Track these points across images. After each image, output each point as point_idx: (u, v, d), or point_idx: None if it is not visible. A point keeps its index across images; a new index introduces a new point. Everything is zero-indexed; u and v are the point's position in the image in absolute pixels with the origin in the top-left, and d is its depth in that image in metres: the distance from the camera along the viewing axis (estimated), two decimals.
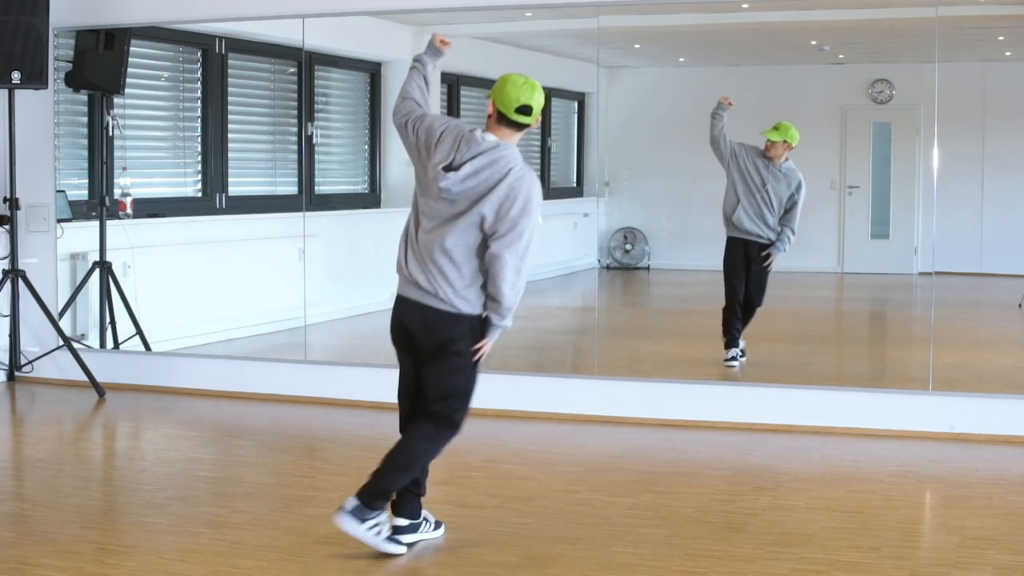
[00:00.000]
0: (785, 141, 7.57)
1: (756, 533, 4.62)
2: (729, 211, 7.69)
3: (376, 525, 4.29)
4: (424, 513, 4.49)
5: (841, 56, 9.43)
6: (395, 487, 4.35)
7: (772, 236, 7.64)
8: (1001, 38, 8.86)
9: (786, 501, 5.09)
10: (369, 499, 4.27)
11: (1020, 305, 9.01)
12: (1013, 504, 5.09)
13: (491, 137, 4.27)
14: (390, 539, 4.34)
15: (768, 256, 7.61)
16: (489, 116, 4.31)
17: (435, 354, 4.30)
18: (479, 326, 4.28)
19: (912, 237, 9.03)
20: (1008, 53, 9.23)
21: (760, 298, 7.66)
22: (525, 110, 4.23)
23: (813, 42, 9.08)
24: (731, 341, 7.62)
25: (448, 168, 4.21)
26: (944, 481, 5.55)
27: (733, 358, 7.59)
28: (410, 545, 4.39)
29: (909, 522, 4.89)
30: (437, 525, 4.55)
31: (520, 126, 4.27)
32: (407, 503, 4.43)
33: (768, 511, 4.93)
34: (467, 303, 4.24)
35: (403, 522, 4.41)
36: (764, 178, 7.60)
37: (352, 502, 4.27)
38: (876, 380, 7.61)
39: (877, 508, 4.98)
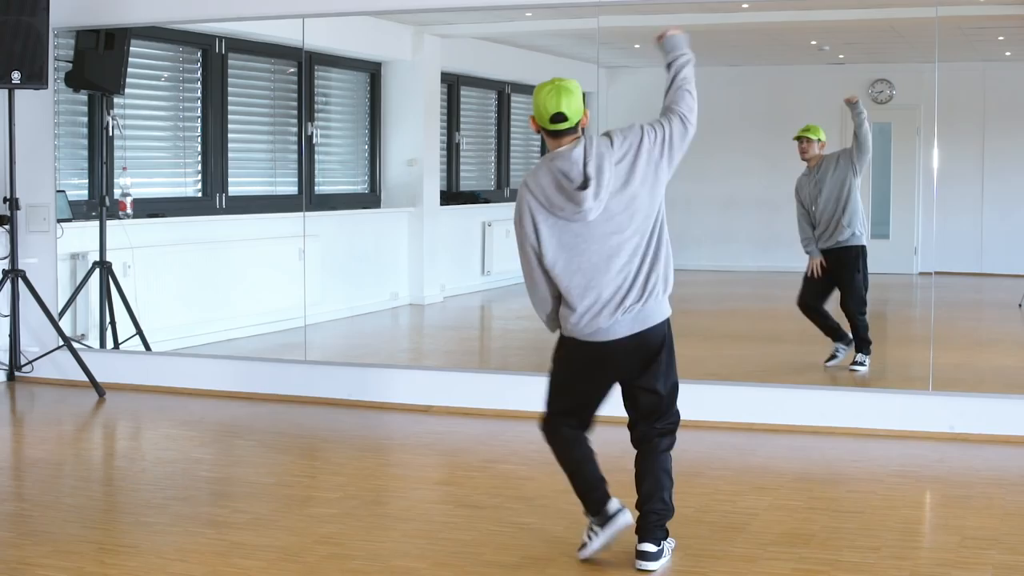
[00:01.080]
0: (819, 140, 7.58)
1: (756, 533, 4.62)
2: (807, 241, 7.63)
3: (668, 549, 4.27)
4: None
5: (841, 56, 9.43)
6: (673, 504, 4.26)
7: (848, 236, 7.56)
8: (1001, 38, 8.86)
9: (786, 501, 5.09)
10: (657, 528, 4.20)
11: (1020, 305, 9.01)
12: (1013, 504, 5.09)
13: (566, 148, 4.10)
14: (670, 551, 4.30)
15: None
16: (537, 131, 4.20)
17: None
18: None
19: (912, 237, 9.03)
20: (1008, 53, 9.23)
21: (853, 300, 7.56)
22: (558, 118, 4.09)
23: (813, 42, 9.08)
24: (837, 337, 7.55)
25: (580, 188, 4.04)
26: (944, 481, 5.55)
27: (832, 356, 7.54)
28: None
29: (909, 522, 4.88)
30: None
31: (566, 132, 4.12)
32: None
33: (768, 511, 4.93)
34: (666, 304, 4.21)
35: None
36: (816, 193, 7.57)
37: (650, 547, 4.17)
38: (876, 380, 7.61)
39: (877, 508, 4.98)
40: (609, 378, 4.28)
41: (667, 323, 4.21)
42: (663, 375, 4.23)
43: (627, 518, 4.22)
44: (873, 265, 7.66)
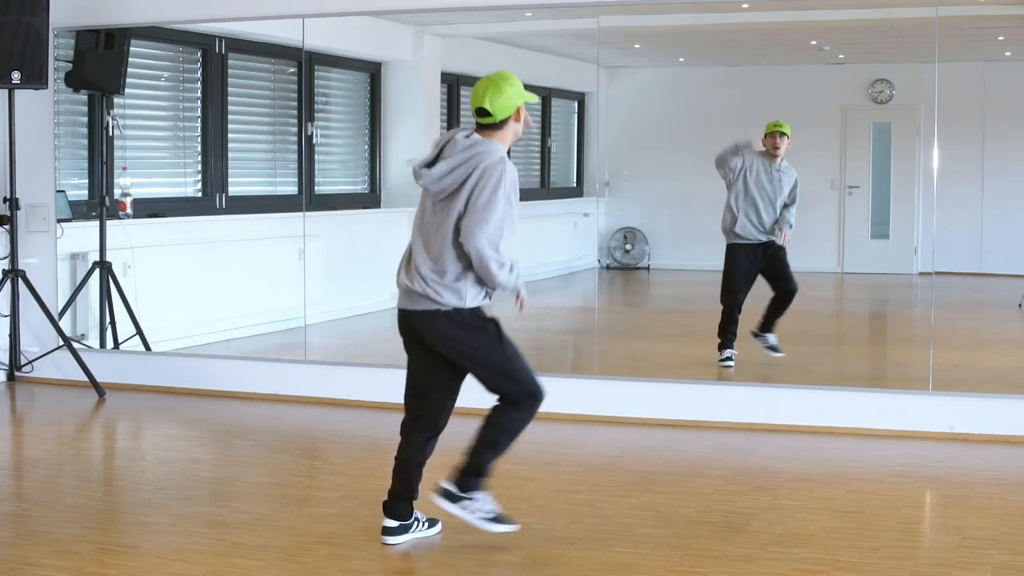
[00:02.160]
0: (789, 137, 7.62)
1: (756, 533, 4.62)
2: (729, 222, 7.69)
3: (472, 503, 4.40)
4: (416, 514, 4.49)
5: (841, 56, 9.43)
6: (486, 465, 4.43)
7: (769, 233, 7.67)
8: (1001, 38, 8.86)
9: (786, 501, 5.09)
10: (461, 480, 4.39)
11: (1020, 305, 9.01)
12: (1013, 504, 5.09)
13: (476, 136, 4.31)
14: (489, 520, 4.43)
15: (777, 245, 7.63)
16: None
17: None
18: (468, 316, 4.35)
19: (912, 237, 9.03)
20: (1008, 53, 9.23)
21: (794, 283, 7.69)
22: (481, 112, 4.30)
23: (813, 42, 9.08)
24: (726, 342, 7.70)
25: (426, 166, 4.31)
26: (944, 481, 5.55)
27: (728, 358, 7.66)
28: (395, 545, 4.42)
29: (909, 522, 4.89)
30: (431, 523, 4.55)
31: (492, 127, 4.31)
32: (397, 504, 4.45)
33: (768, 511, 4.93)
34: (455, 295, 4.31)
35: (392, 523, 4.44)
36: (772, 182, 7.60)
37: (446, 484, 4.38)
38: (876, 380, 7.61)
39: (877, 508, 4.98)
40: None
41: (437, 315, 4.32)
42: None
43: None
44: (873, 265, 7.66)
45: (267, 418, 6.91)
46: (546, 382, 4.47)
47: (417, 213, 4.43)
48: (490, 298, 4.38)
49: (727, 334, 7.68)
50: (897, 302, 9.62)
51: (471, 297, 4.31)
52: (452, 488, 4.40)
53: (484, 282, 4.29)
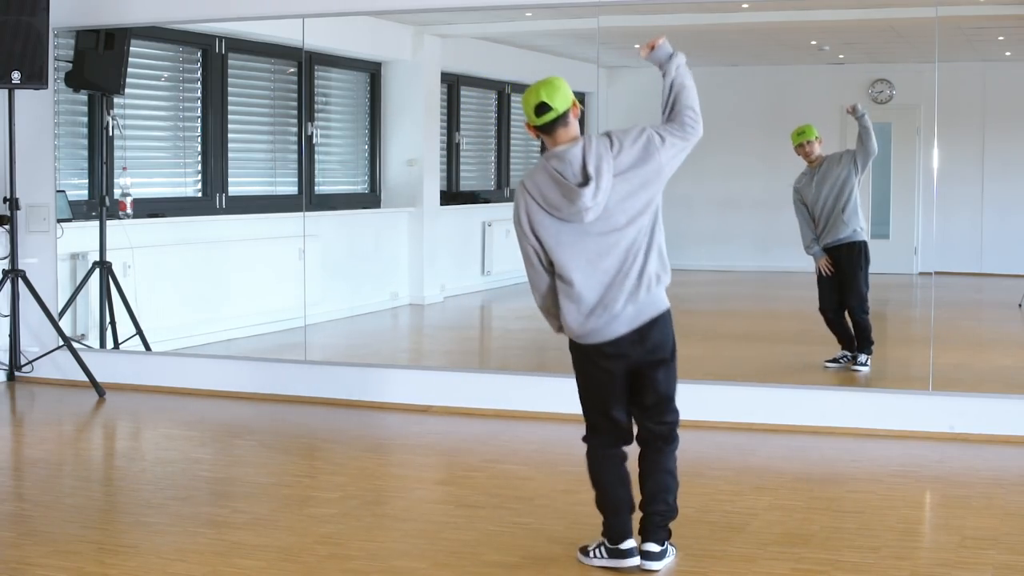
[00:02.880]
0: (819, 138, 7.57)
1: (756, 533, 4.62)
2: (811, 243, 7.61)
3: (672, 551, 4.27)
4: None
5: (841, 56, 9.43)
6: (676, 507, 4.26)
7: (848, 232, 7.55)
8: (1001, 38, 8.86)
9: (786, 501, 5.09)
10: (662, 530, 4.22)
11: (1020, 305, 9.01)
12: (1013, 504, 5.09)
13: (564, 147, 4.09)
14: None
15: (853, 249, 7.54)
16: (536, 136, 4.18)
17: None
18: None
19: (912, 237, 9.03)
20: (1008, 53, 9.23)
21: (855, 298, 7.55)
22: (542, 108, 4.07)
23: (813, 42, 9.08)
24: (843, 345, 7.56)
25: (581, 186, 4.02)
26: (944, 481, 5.55)
27: (834, 359, 7.54)
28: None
29: (909, 522, 4.88)
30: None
31: (555, 123, 4.08)
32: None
33: (768, 511, 4.93)
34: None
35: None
36: (817, 189, 7.56)
37: (654, 547, 4.17)
38: (876, 380, 7.61)
39: (877, 508, 4.98)
40: (618, 376, 4.21)
41: (666, 317, 4.18)
42: (664, 371, 4.20)
43: (635, 561, 4.18)
44: (873, 265, 7.66)
45: (267, 418, 6.91)
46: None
47: (551, 243, 4.10)
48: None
49: (838, 338, 7.55)
50: (897, 302, 9.61)
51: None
52: (661, 544, 4.20)
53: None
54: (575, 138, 4.12)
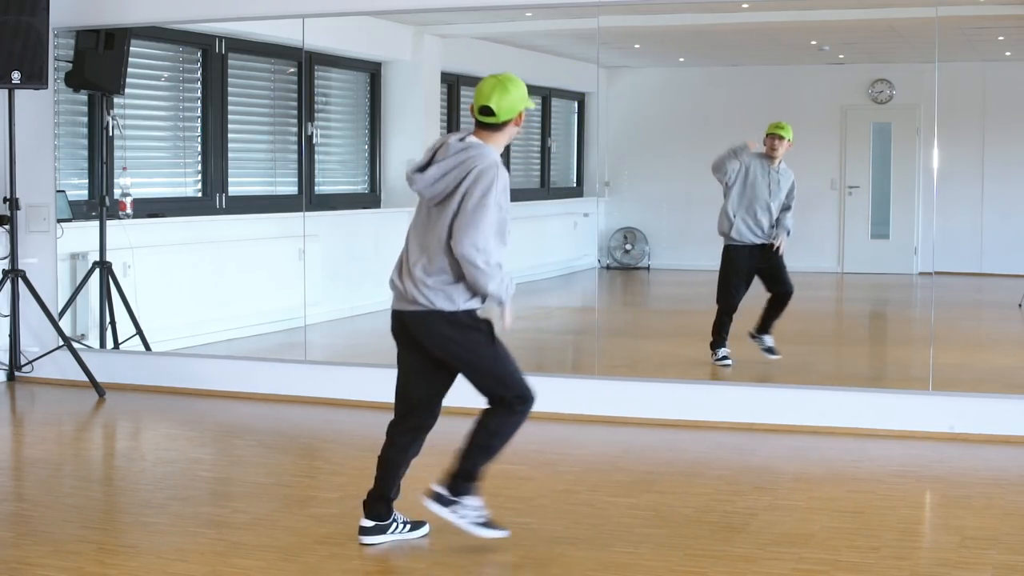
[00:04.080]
0: (790, 140, 7.61)
1: (756, 533, 4.62)
2: (727, 225, 7.70)
3: (463, 507, 4.37)
4: (395, 515, 4.49)
5: (841, 56, 9.43)
6: (476, 470, 4.41)
7: (768, 234, 7.68)
8: (1001, 38, 8.86)
9: (786, 501, 5.09)
10: (452, 485, 4.37)
11: (1020, 305, 9.02)
12: (1013, 504, 5.09)
13: (470, 139, 4.29)
14: (480, 525, 4.40)
15: (775, 247, 7.65)
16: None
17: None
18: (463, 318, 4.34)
19: (912, 237, 9.03)
20: (1008, 53, 9.24)
21: (790, 285, 7.72)
22: (485, 111, 4.28)
23: (813, 42, 9.08)
24: (720, 342, 7.73)
25: (419, 170, 4.29)
26: (944, 481, 5.55)
27: (724, 357, 7.67)
28: (372, 545, 4.42)
29: (909, 522, 4.89)
30: (416, 526, 4.53)
31: (492, 126, 4.30)
32: (376, 504, 4.45)
33: (768, 511, 4.93)
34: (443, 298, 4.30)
35: (368, 523, 4.43)
36: (769, 184, 7.61)
37: (437, 488, 4.37)
38: (876, 380, 7.61)
39: (877, 508, 4.98)
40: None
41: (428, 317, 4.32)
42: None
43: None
44: (873, 265, 7.67)
45: (267, 418, 6.91)
46: (546, 382, 4.48)
47: (414, 216, 4.42)
48: (483, 302, 4.36)
49: (720, 334, 7.71)
50: (897, 302, 9.62)
51: (462, 302, 4.30)
52: (443, 492, 4.39)
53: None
54: (484, 139, 4.30)
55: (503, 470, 5.65)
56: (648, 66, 9.48)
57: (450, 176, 4.23)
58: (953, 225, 8.76)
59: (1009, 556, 4.37)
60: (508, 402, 4.39)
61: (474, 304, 4.34)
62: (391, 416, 4.56)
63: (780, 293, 7.71)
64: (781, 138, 7.60)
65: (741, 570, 4.20)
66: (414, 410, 4.47)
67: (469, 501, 4.40)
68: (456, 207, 4.20)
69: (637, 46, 9.15)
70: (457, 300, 4.29)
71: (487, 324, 4.38)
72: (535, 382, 4.48)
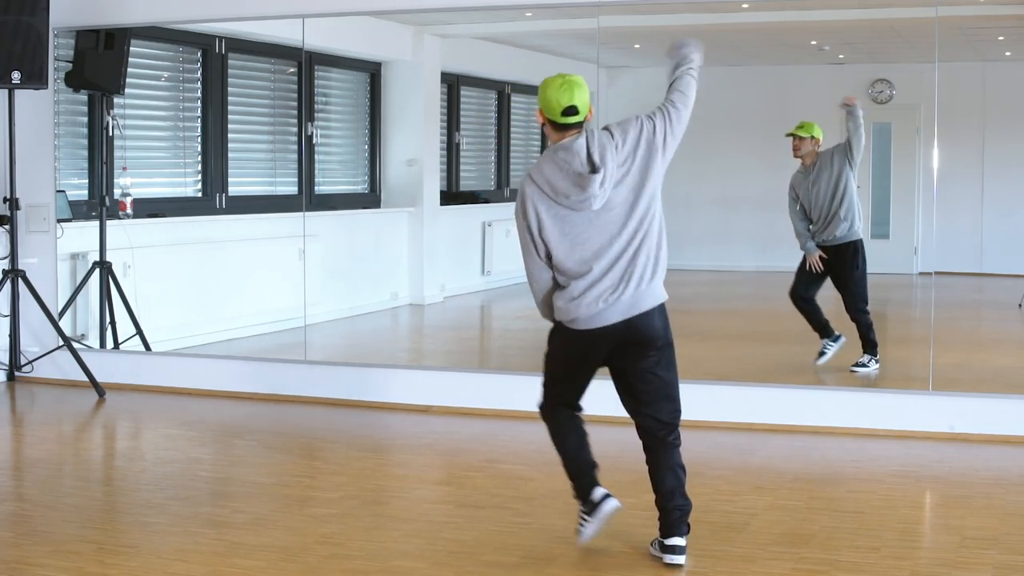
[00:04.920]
0: (813, 137, 7.53)
1: (756, 533, 4.62)
2: (803, 238, 7.60)
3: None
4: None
5: (841, 56, 9.43)
6: (689, 503, 4.33)
7: (845, 231, 7.51)
8: (1001, 38, 8.86)
9: (786, 501, 5.09)
10: (684, 522, 4.29)
11: (1020, 305, 9.01)
12: (1013, 504, 5.09)
13: (569, 139, 4.19)
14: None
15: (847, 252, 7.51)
16: (543, 126, 4.28)
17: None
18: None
19: (912, 237, 9.03)
20: (1008, 53, 9.23)
21: (854, 298, 7.54)
22: (571, 111, 4.18)
23: (813, 42, 9.08)
24: (822, 335, 7.58)
25: (592, 172, 4.12)
26: (944, 481, 5.55)
27: (823, 351, 7.55)
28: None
29: (909, 522, 4.89)
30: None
31: (574, 126, 4.21)
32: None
33: (768, 511, 4.93)
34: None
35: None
36: (807, 188, 7.55)
37: (679, 541, 4.24)
38: (876, 380, 7.61)
39: (877, 508, 4.98)
40: (600, 362, 4.35)
41: (661, 310, 4.24)
42: (663, 361, 4.28)
43: (612, 504, 4.30)
44: (873, 265, 7.65)
45: (267, 418, 6.91)
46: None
47: (554, 233, 4.17)
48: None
49: (815, 329, 7.55)
50: (897, 302, 9.60)
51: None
52: (685, 539, 4.27)
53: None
54: (578, 132, 4.22)
55: (503, 470, 5.66)
56: (648, 66, 9.48)
57: (622, 153, 4.15)
58: (953, 225, 8.75)
59: (1009, 556, 4.37)
60: (673, 411, 4.40)
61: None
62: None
63: (846, 305, 7.57)
64: (800, 138, 7.54)
65: (741, 570, 4.20)
66: (577, 402, 4.49)
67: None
68: (648, 172, 4.15)
69: (637, 46, 9.15)
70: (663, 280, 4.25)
71: None
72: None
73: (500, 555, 4.36)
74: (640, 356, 4.24)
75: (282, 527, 4.70)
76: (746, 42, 9.03)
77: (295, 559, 4.30)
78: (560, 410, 4.47)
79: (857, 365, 7.42)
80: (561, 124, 4.19)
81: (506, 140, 10.65)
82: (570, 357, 4.35)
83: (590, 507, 4.33)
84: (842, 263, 7.52)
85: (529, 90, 9.29)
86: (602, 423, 6.64)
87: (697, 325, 8.56)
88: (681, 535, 4.25)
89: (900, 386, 6.99)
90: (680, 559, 4.23)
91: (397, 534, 4.63)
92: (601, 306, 4.15)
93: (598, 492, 4.32)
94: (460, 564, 4.27)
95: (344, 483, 5.39)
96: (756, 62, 9.48)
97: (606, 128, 4.25)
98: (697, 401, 6.63)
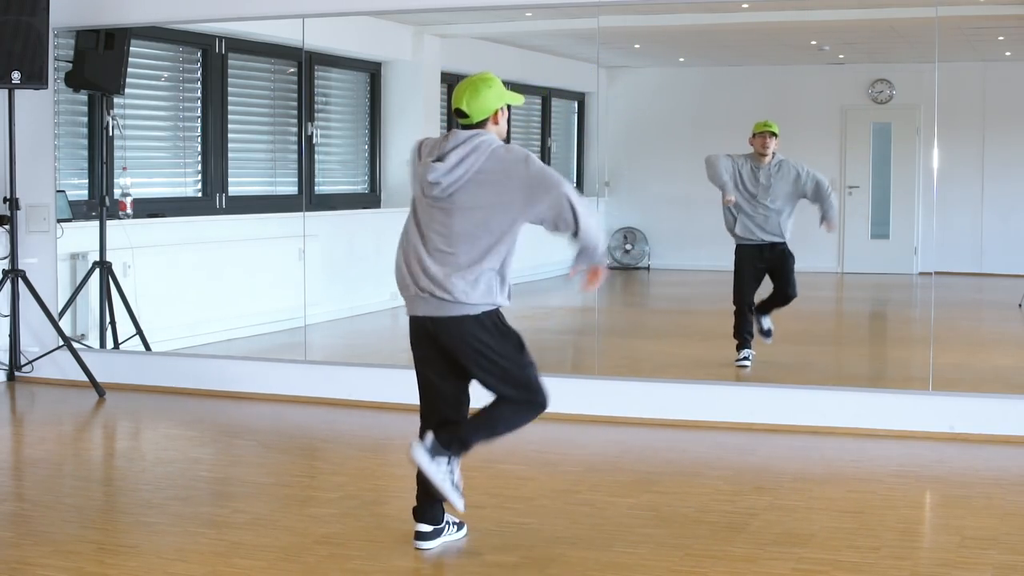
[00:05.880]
0: (776, 136, 7.65)
1: (756, 533, 4.62)
2: (730, 223, 7.73)
3: (446, 466, 4.33)
4: (447, 517, 4.46)
5: (841, 56, 9.43)
6: (473, 442, 4.39)
7: (784, 235, 7.68)
8: (1001, 38, 8.86)
9: (786, 501, 5.09)
10: (446, 441, 4.32)
11: (1020, 305, 9.02)
12: (1013, 504, 5.09)
13: (472, 131, 4.33)
14: (453, 487, 4.35)
15: (782, 247, 7.69)
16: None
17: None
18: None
19: (912, 237, 9.03)
20: (1008, 53, 9.24)
21: (794, 288, 7.77)
22: (459, 113, 4.32)
23: (813, 42, 9.08)
24: (743, 343, 7.69)
25: (436, 160, 4.26)
26: (944, 481, 5.55)
27: (745, 358, 7.65)
28: (428, 550, 4.39)
29: (909, 522, 4.89)
30: (459, 527, 4.53)
31: (471, 128, 4.34)
32: (430, 508, 4.40)
33: (768, 511, 4.93)
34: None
35: (427, 528, 4.40)
36: (758, 183, 7.63)
37: (429, 438, 4.33)
38: (876, 380, 7.61)
39: (877, 508, 4.98)
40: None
41: (464, 321, 4.28)
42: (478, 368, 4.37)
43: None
44: (873, 265, 7.67)
45: (267, 418, 6.91)
46: (546, 382, 4.47)
47: (414, 215, 4.37)
48: (510, 298, 4.33)
49: (742, 334, 7.66)
50: (897, 302, 9.61)
51: (498, 296, 4.28)
52: (435, 442, 4.33)
53: (501, 285, 4.28)
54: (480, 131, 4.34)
55: (503, 470, 5.65)
56: (648, 66, 9.48)
57: (468, 160, 4.23)
58: (953, 225, 8.76)
59: (1009, 556, 4.37)
60: (529, 404, 4.41)
61: (506, 301, 4.32)
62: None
63: (783, 294, 7.72)
64: (772, 135, 7.62)
65: (741, 570, 4.20)
66: (446, 416, 4.45)
67: (454, 461, 4.37)
68: (501, 198, 4.22)
69: (637, 46, 9.15)
70: (496, 296, 4.29)
71: (517, 331, 4.40)
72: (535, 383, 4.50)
73: (500, 555, 4.36)
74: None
75: (282, 527, 4.70)
76: (746, 42, 9.03)
77: (295, 559, 4.30)
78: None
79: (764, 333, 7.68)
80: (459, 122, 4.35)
81: (506, 140, 10.64)
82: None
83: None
84: (782, 258, 7.72)
85: (529, 90, 9.29)
86: (602, 423, 6.65)
87: (697, 325, 8.57)
88: (436, 449, 4.29)
89: (900, 386, 7.00)
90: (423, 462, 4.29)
91: (397, 534, 4.63)
92: (409, 294, 4.42)
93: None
94: (460, 564, 4.27)
95: (344, 483, 5.39)
96: (756, 62, 9.48)
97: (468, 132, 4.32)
98: (697, 401, 6.65)
